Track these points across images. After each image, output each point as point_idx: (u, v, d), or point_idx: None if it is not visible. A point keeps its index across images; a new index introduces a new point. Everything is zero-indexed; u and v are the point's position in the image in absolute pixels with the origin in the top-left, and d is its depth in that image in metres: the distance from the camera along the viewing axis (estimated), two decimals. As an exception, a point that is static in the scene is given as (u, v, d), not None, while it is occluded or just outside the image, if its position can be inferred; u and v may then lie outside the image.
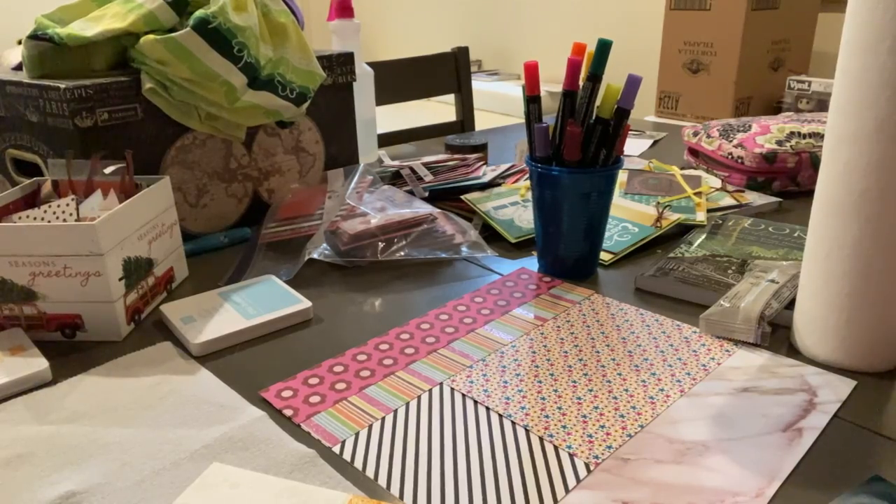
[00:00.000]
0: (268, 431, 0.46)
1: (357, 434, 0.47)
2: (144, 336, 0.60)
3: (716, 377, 0.52)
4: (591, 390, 0.51)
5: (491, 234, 0.81)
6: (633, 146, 1.25)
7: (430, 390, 0.51)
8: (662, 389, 0.51)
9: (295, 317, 0.62)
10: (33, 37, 0.70)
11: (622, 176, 0.95)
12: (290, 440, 0.45)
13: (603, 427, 0.47)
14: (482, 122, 2.22)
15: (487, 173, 0.92)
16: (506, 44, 2.83)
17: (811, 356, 0.54)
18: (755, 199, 0.89)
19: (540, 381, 0.52)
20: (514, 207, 0.84)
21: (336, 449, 0.45)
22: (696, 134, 1.03)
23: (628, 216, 0.82)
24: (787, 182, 0.93)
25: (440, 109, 2.31)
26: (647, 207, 0.84)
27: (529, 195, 0.88)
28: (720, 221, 0.79)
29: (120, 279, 0.58)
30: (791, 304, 0.59)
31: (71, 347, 0.58)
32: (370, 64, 1.36)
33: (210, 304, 0.63)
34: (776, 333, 0.58)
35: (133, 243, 0.60)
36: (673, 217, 0.80)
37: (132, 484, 0.42)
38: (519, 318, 0.62)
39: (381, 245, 0.74)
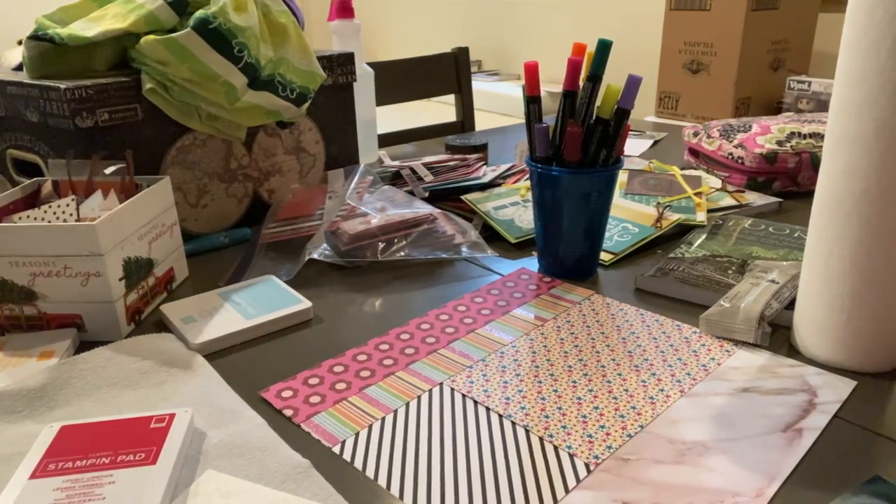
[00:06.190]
0: (266, 439, 0.45)
1: (357, 434, 0.47)
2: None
3: (716, 377, 0.52)
4: (591, 390, 0.51)
5: (491, 235, 0.82)
6: (634, 146, 1.25)
7: (430, 390, 0.51)
8: (662, 390, 0.51)
9: (295, 317, 0.62)
10: (34, 37, 0.70)
11: (622, 176, 0.95)
12: (286, 448, 0.45)
13: (603, 427, 0.47)
14: (482, 122, 2.22)
15: (487, 173, 0.92)
16: (506, 44, 2.83)
17: (811, 356, 0.54)
18: (755, 199, 0.89)
19: (540, 382, 0.52)
20: (515, 208, 0.84)
21: (336, 449, 0.45)
22: (696, 134, 1.03)
23: (628, 216, 0.82)
24: (787, 182, 0.93)
25: (440, 110, 2.31)
26: (648, 208, 0.84)
27: (529, 195, 0.88)
28: (720, 222, 0.79)
29: (120, 279, 0.58)
30: (791, 305, 0.59)
31: (71, 347, 0.58)
32: (370, 64, 1.36)
33: (210, 304, 0.63)
34: (776, 334, 0.58)
35: (133, 243, 0.60)
36: (673, 217, 0.80)
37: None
38: (519, 318, 0.62)
39: (381, 245, 0.74)
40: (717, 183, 0.93)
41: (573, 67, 0.65)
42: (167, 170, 0.76)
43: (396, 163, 0.96)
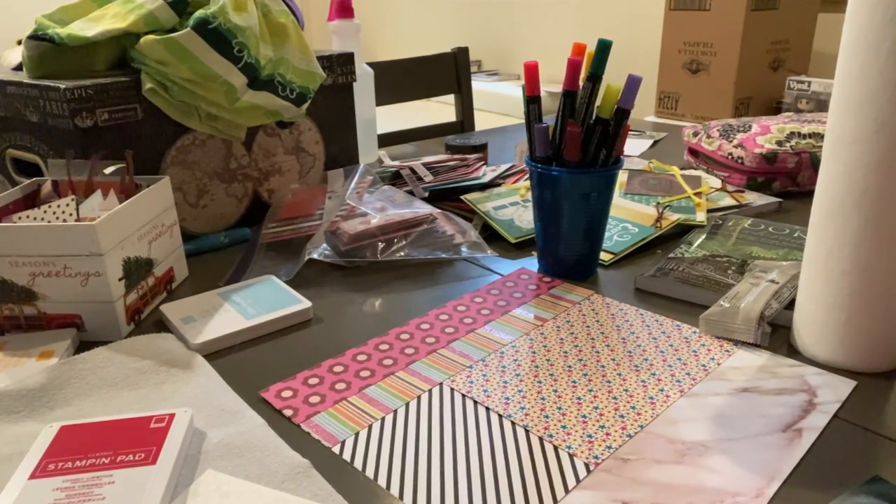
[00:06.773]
0: (266, 439, 0.45)
1: (357, 434, 0.47)
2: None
3: (716, 377, 0.52)
4: (590, 390, 0.51)
5: (491, 235, 0.82)
6: (633, 146, 1.25)
7: (430, 390, 0.51)
8: (662, 390, 0.51)
9: (295, 317, 0.62)
10: (33, 37, 0.70)
11: (622, 176, 0.95)
12: (286, 448, 0.45)
13: (603, 427, 0.47)
14: (482, 122, 2.22)
15: (487, 173, 0.92)
16: (505, 44, 2.83)
17: (811, 356, 0.54)
18: (755, 199, 0.89)
19: (540, 382, 0.52)
20: (514, 208, 0.84)
21: (336, 449, 0.45)
22: (696, 134, 1.03)
23: (628, 216, 0.82)
24: (787, 182, 0.93)
25: (440, 110, 2.31)
26: (647, 208, 0.84)
27: (529, 195, 0.88)
28: (720, 222, 0.79)
29: (120, 279, 0.58)
30: (791, 305, 0.59)
31: (71, 347, 0.58)
32: (370, 64, 1.36)
33: (210, 304, 0.63)
34: (776, 334, 0.58)
35: (133, 243, 0.60)
36: (673, 217, 0.80)
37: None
38: (519, 318, 0.62)
39: (381, 245, 0.74)
40: (717, 183, 0.93)
41: (573, 67, 0.65)
42: (167, 170, 0.76)
43: (396, 163, 0.96)
